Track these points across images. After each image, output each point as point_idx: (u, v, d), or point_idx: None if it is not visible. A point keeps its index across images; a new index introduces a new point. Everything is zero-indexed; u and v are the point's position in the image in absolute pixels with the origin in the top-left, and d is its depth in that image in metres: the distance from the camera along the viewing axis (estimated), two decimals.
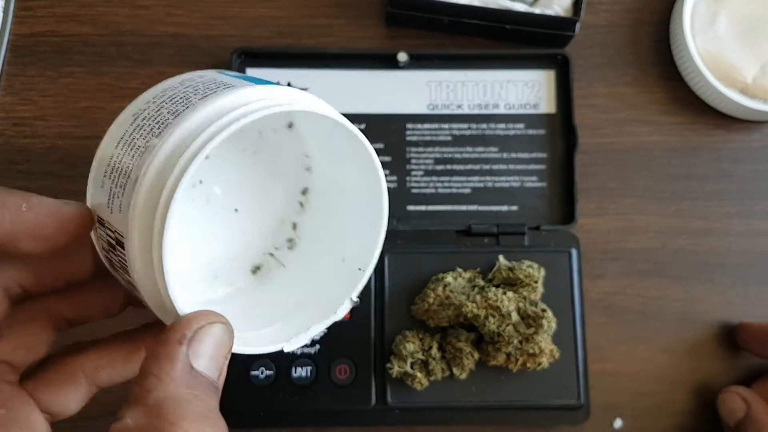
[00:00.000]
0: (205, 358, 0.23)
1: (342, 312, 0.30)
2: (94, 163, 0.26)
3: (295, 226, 0.33)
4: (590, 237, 0.45)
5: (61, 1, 0.47)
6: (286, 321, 0.29)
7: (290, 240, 0.33)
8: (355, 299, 0.30)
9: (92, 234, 0.26)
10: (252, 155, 0.31)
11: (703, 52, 0.46)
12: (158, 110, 0.24)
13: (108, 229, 0.24)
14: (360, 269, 0.30)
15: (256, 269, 0.32)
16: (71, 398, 0.27)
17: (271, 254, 0.32)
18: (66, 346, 0.28)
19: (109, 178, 0.24)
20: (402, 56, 0.45)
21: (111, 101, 0.46)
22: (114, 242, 0.24)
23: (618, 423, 0.43)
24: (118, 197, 0.24)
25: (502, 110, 0.46)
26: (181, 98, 0.24)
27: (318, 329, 0.29)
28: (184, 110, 0.23)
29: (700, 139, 0.47)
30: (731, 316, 0.44)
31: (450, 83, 0.46)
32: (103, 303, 0.28)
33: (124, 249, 0.23)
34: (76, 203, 0.25)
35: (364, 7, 0.48)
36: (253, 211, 0.32)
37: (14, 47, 0.46)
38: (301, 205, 0.33)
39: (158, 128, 0.24)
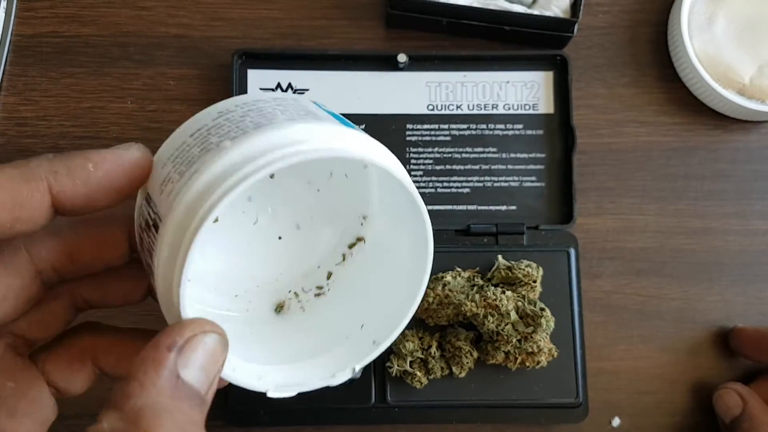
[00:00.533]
0: (195, 369, 0.22)
1: (339, 379, 0.27)
2: (166, 143, 0.25)
3: (329, 275, 0.31)
4: (588, 236, 0.45)
5: (64, 2, 0.48)
6: (286, 365, 0.28)
7: (320, 288, 0.31)
8: (357, 371, 0.28)
9: (136, 209, 0.26)
10: (316, 192, 0.30)
11: (701, 53, 0.46)
12: (243, 117, 0.24)
13: (152, 209, 0.24)
14: (374, 342, 0.28)
15: (278, 307, 0.31)
16: (78, 377, 0.27)
17: (297, 294, 0.31)
18: (81, 324, 0.28)
19: (172, 162, 0.24)
20: (402, 57, 0.46)
21: (113, 102, 0.46)
22: (151, 223, 0.24)
23: (616, 421, 0.43)
24: (172, 182, 0.23)
25: (501, 111, 0.46)
26: (268, 113, 0.24)
27: (307, 387, 0.27)
28: (266, 125, 0.23)
29: (698, 140, 0.47)
30: (729, 315, 0.45)
31: (449, 84, 0.46)
32: (127, 290, 0.28)
33: (157, 233, 0.23)
34: (133, 145, 0.25)
35: (364, 8, 0.48)
36: (295, 245, 0.31)
37: (17, 48, 0.47)
38: (344, 257, 0.31)
39: (235, 132, 0.23)
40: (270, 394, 0.26)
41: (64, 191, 0.23)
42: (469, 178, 0.45)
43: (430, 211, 0.26)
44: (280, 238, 0.31)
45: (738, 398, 0.40)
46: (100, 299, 0.28)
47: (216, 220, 0.28)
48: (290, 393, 0.26)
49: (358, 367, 0.28)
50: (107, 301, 0.28)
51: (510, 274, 0.41)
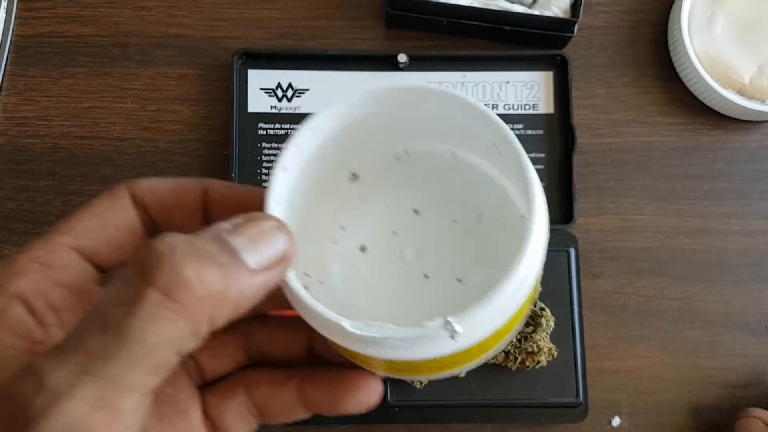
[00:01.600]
0: (242, 237, 0.20)
1: (432, 328, 0.22)
2: None
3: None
4: (589, 236, 0.45)
5: (64, 2, 0.48)
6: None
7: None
8: (456, 327, 0.22)
9: None
10: (462, 235, 0.29)
11: (701, 53, 0.46)
12: None
13: None
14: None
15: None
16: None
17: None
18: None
19: None
20: (402, 57, 0.46)
21: (113, 102, 0.46)
22: None
23: (616, 421, 0.43)
24: None
25: (501, 111, 0.46)
26: None
27: (393, 332, 0.22)
28: None
29: (697, 139, 0.47)
30: (729, 314, 0.45)
31: (450, 84, 0.46)
32: (289, 339, 0.27)
33: None
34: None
35: (364, 8, 0.48)
36: (444, 287, 0.29)
37: (17, 48, 0.47)
38: None
39: None
40: (348, 327, 0.22)
41: (213, 188, 0.25)
42: None
43: None
44: (426, 276, 0.29)
45: (763, 426, 0.39)
46: (266, 342, 0.26)
47: (364, 249, 0.29)
48: (371, 332, 0.22)
49: (455, 322, 0.22)
50: (272, 349, 0.27)
51: None
